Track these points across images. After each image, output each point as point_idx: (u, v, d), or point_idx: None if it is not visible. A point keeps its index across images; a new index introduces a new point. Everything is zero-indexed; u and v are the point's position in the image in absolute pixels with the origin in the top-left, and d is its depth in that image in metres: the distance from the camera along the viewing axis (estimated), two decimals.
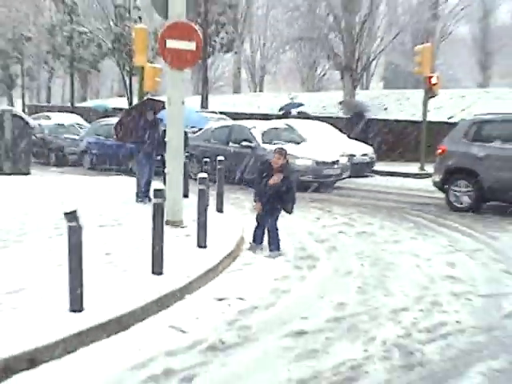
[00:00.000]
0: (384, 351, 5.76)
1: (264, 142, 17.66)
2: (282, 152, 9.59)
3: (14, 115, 20.22)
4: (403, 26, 34.16)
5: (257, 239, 9.86)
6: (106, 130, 22.00)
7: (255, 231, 9.89)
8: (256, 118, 25.26)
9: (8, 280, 7.32)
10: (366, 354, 5.68)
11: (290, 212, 9.76)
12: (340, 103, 30.53)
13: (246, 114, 29.80)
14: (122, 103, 41.32)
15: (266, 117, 28.33)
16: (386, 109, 30.20)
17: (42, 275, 7.52)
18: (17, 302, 6.44)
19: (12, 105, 47.84)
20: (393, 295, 7.59)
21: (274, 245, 9.63)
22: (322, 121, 23.99)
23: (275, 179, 9.42)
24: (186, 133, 11.86)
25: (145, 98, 17.03)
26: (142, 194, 13.51)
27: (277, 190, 9.48)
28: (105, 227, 10.60)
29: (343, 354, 5.67)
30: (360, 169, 20.41)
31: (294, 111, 30.57)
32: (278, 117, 28.23)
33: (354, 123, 25.63)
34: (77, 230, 6.13)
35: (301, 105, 31.91)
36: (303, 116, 27.66)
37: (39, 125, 26.83)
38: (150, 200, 12.39)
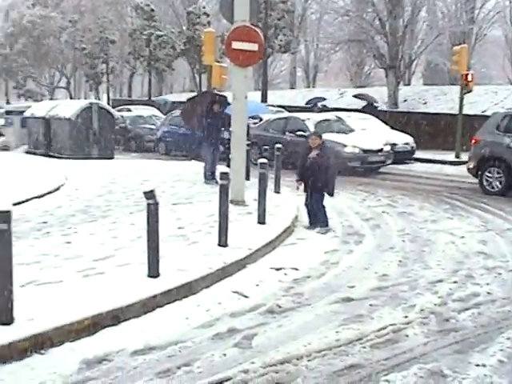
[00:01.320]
0: (422, 317, 5.68)
1: None
2: (316, 133, 9.86)
3: (101, 108, 20.58)
4: (442, 28, 33.42)
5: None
6: (179, 120, 22.07)
7: (308, 215, 9.85)
8: (309, 111, 25.13)
9: (96, 249, 7.48)
10: (406, 320, 5.61)
11: (330, 194, 9.64)
12: (355, 96, 30.38)
13: (300, 107, 29.68)
14: None
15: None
16: (425, 103, 29.67)
17: (125, 245, 7.67)
18: (103, 267, 6.59)
19: (99, 99, 48.57)
20: (430, 268, 7.47)
21: (323, 222, 9.60)
22: (369, 113, 23.73)
23: (312, 154, 9.47)
24: (248, 125, 11.90)
25: (206, 91, 17.13)
26: (209, 177, 13.59)
27: (314, 168, 9.42)
28: (178, 205, 10.72)
29: (386, 319, 5.62)
30: (402, 156, 20.10)
31: (319, 104, 30.67)
32: (307, 109, 28.24)
33: (367, 112, 25.44)
34: (154, 207, 6.21)
35: (324, 99, 31.80)
36: (325, 109, 27.56)
37: (121, 116, 27.16)
38: (216, 182, 12.46)
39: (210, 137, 13.54)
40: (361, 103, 28.92)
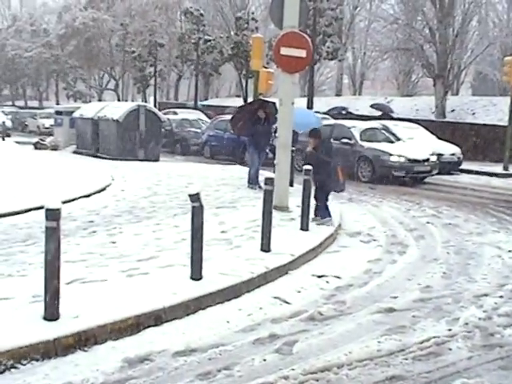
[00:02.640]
0: (466, 331, 5.58)
1: (362, 140, 17.49)
2: (310, 134, 10.02)
3: (148, 110, 20.86)
4: (493, 38, 32.93)
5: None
6: (224, 125, 22.28)
7: (315, 207, 9.94)
8: (354, 119, 25.00)
9: (140, 250, 7.57)
10: (450, 333, 5.52)
11: (337, 190, 10.04)
12: (371, 106, 30.62)
13: (343, 115, 29.59)
14: (239, 103, 41.73)
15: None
16: (473, 114, 29.24)
17: (168, 247, 7.74)
18: (147, 268, 6.66)
19: (146, 101, 49.17)
20: (475, 281, 7.34)
21: (320, 213, 9.78)
22: (415, 123, 23.47)
23: (309, 148, 9.84)
24: (296, 132, 11.96)
25: (257, 98, 17.19)
26: (253, 181, 13.63)
27: (311, 162, 9.63)
28: (221, 208, 10.77)
29: (428, 332, 5.54)
30: (448, 167, 19.84)
31: (343, 112, 31.20)
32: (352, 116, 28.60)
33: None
34: (199, 210, 6.25)
35: (344, 108, 32.53)
36: (348, 117, 27.87)
37: (168, 119, 27.45)
38: (260, 187, 12.49)
39: (253, 141, 13.57)
40: (377, 113, 29.17)
